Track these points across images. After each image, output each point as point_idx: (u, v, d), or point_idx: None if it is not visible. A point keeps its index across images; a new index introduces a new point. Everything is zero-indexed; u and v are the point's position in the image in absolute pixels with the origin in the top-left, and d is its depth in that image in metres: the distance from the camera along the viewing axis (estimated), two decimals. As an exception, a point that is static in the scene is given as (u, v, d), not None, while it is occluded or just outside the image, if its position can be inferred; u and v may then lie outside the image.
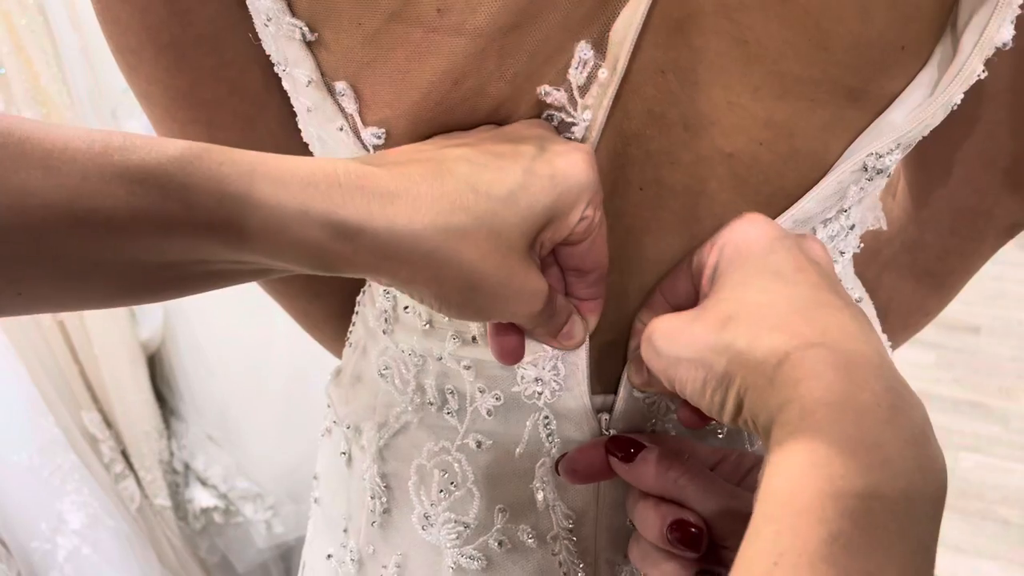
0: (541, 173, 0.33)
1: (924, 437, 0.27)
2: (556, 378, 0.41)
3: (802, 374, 0.28)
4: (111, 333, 1.42)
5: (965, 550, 1.82)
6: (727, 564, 0.34)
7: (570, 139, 0.36)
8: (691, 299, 0.38)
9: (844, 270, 0.45)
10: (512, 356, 0.39)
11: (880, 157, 0.36)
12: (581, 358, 0.40)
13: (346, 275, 0.32)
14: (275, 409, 1.60)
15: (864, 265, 0.52)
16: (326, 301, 0.54)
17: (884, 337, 0.51)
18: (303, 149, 0.43)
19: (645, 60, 0.34)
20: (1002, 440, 2.14)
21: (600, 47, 0.34)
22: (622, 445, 0.38)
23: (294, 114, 0.41)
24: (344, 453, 0.49)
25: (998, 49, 0.35)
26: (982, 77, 0.35)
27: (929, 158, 0.45)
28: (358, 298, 0.50)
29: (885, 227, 0.46)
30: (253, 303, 0.47)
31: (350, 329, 0.51)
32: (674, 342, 0.33)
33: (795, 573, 0.24)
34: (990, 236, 0.49)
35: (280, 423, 1.61)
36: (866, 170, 0.37)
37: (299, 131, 0.42)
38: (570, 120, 0.36)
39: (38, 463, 1.27)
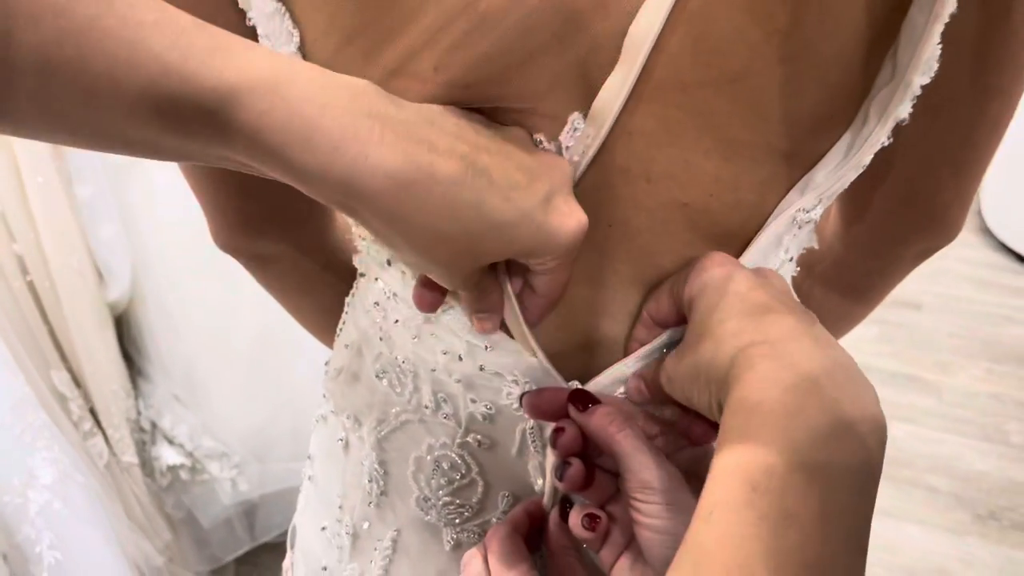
0: (534, 221, 0.37)
1: (849, 402, 0.33)
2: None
3: (742, 369, 0.35)
4: (80, 294, 1.44)
5: (894, 515, 1.94)
6: (633, 511, 0.41)
7: None
8: (671, 319, 0.44)
9: None
10: (427, 307, 0.45)
11: (807, 212, 0.43)
12: (556, 379, 0.46)
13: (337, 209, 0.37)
14: (241, 370, 1.63)
15: (799, 279, 0.58)
16: (318, 296, 0.59)
17: None
18: None
19: (616, 123, 0.39)
20: (935, 412, 2.25)
21: (586, 114, 0.39)
22: (582, 398, 0.45)
23: None
24: (341, 440, 0.54)
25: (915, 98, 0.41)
26: (886, 144, 0.42)
27: (856, 192, 0.51)
28: (347, 299, 0.54)
29: (817, 247, 0.52)
30: (221, 267, 0.49)
31: (340, 327, 0.56)
32: (679, 373, 0.40)
33: (725, 517, 0.31)
34: (906, 259, 0.56)
35: (246, 384, 1.64)
36: (796, 222, 0.43)
37: None
38: None
39: (10, 421, 1.29)
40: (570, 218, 0.38)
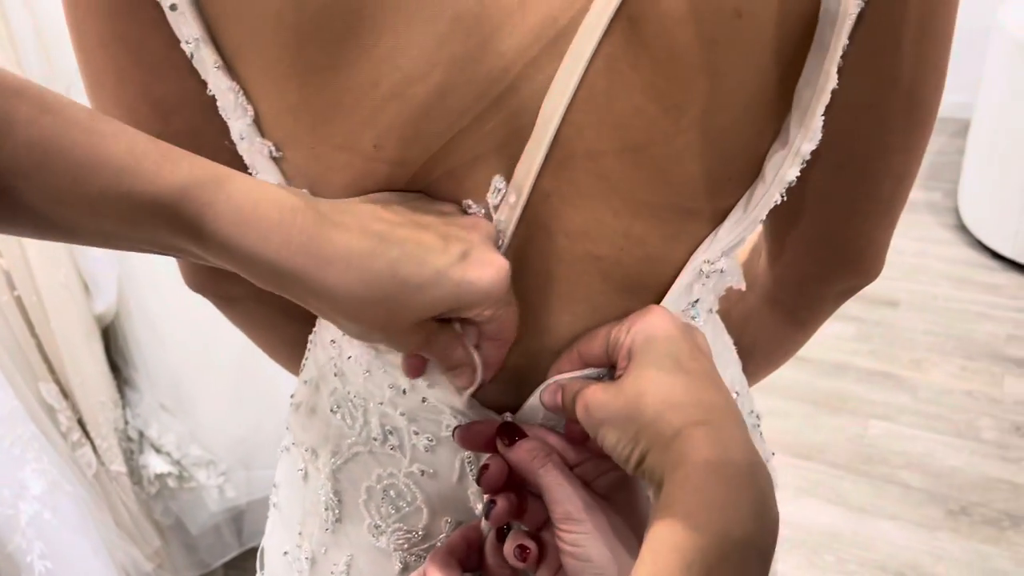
0: (452, 277, 0.41)
1: (765, 499, 0.39)
2: None
3: (689, 447, 0.40)
4: (67, 307, 1.47)
5: (868, 510, 1.99)
6: (559, 541, 0.45)
7: None
8: (599, 360, 0.48)
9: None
10: (412, 372, 0.49)
11: (712, 263, 0.47)
12: (488, 412, 0.50)
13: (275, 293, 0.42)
14: (226, 379, 1.66)
15: (738, 317, 0.63)
16: (282, 332, 0.63)
17: (746, 379, 0.64)
18: None
19: (537, 187, 0.44)
20: (909, 409, 2.29)
21: (508, 179, 0.43)
22: (509, 431, 0.49)
23: None
24: (301, 470, 0.59)
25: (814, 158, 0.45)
26: (779, 203, 0.46)
27: (779, 234, 0.56)
28: (310, 337, 0.58)
29: (744, 288, 0.56)
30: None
31: (303, 363, 0.60)
32: (601, 409, 0.44)
33: None
34: (830, 297, 0.60)
35: (231, 393, 1.67)
36: (703, 273, 0.48)
37: None
38: None
39: (0, 434, 1.32)
40: (489, 267, 0.42)
